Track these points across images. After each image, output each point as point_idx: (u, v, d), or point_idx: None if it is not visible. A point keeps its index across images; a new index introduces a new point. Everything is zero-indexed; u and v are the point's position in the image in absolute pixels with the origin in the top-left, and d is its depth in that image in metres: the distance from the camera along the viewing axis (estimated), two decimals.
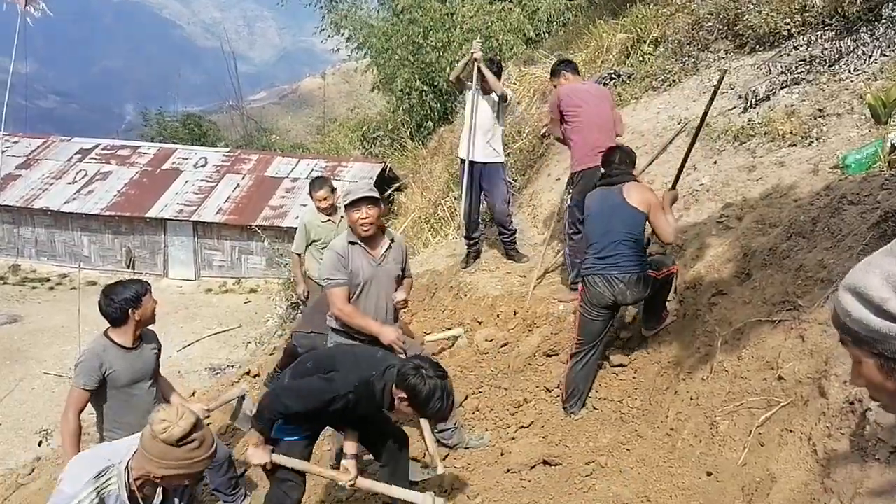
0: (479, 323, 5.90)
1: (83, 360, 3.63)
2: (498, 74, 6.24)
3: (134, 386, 3.73)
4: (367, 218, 3.74)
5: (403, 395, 3.09)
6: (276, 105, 56.86)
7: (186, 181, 18.38)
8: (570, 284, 5.64)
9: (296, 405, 3.17)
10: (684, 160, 4.56)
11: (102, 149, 20.00)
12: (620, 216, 4.14)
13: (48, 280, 17.67)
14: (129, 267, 17.88)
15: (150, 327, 3.86)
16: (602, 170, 4.49)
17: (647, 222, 4.23)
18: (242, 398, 4.02)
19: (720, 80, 4.31)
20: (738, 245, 4.44)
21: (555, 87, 5.66)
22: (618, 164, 4.34)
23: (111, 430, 3.70)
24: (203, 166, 18.94)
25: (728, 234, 4.68)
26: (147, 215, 17.49)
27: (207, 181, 18.35)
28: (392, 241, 3.94)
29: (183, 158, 19.36)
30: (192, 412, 2.22)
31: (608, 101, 5.41)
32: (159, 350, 3.95)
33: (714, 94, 4.27)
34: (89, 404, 3.69)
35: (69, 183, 18.50)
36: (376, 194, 3.78)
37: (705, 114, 4.33)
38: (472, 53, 6.07)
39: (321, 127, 26.85)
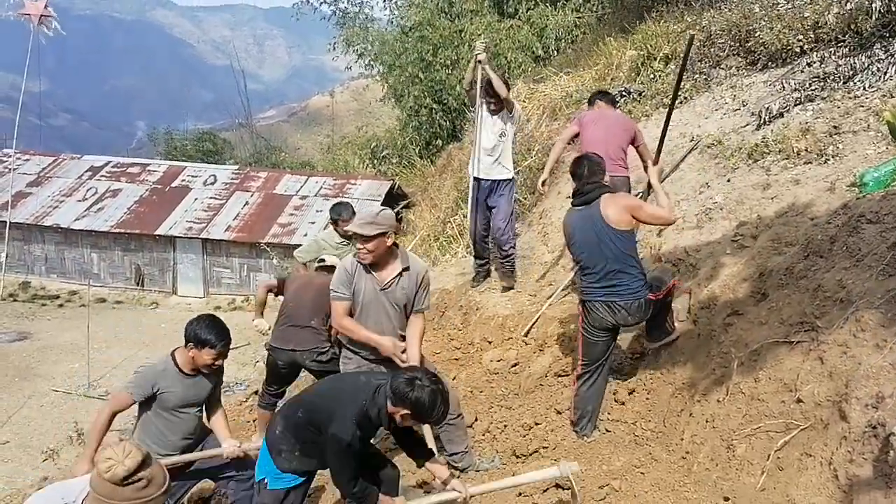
0: (490, 342, 5.83)
1: (141, 373, 3.76)
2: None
3: (181, 410, 3.80)
4: (362, 249, 3.75)
5: (406, 410, 3.10)
6: (286, 123, 57.21)
7: (196, 199, 18.44)
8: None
9: (350, 481, 3.23)
10: (664, 130, 4.73)
11: (113, 167, 20.11)
12: (609, 243, 3.98)
13: (57, 297, 17.70)
14: (138, 284, 17.92)
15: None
16: (573, 182, 4.30)
17: (637, 226, 4.18)
18: None
19: (689, 44, 4.45)
20: (754, 264, 4.37)
21: None
22: (587, 176, 4.14)
23: (146, 441, 3.76)
24: (212, 184, 19.01)
25: (743, 254, 4.60)
26: (156, 233, 17.53)
27: (216, 199, 18.41)
28: (406, 269, 3.86)
29: (192, 176, 19.44)
30: (140, 450, 2.13)
31: (624, 130, 5.52)
32: (218, 383, 3.98)
33: (685, 57, 4.49)
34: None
35: (79, 200, 18.59)
36: (372, 231, 3.68)
37: (679, 77, 4.60)
38: (476, 55, 6.04)
39: (330, 145, 26.95)
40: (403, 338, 3.95)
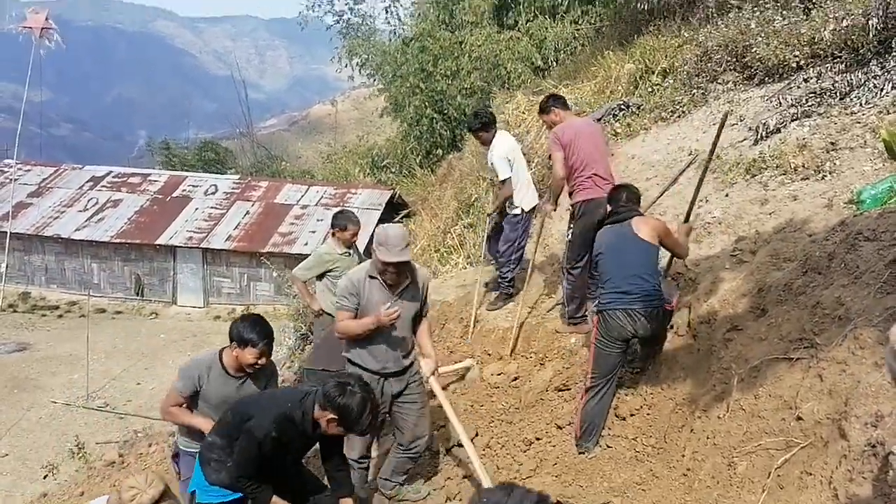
0: (489, 355, 5.84)
1: (187, 367, 3.77)
2: (486, 127, 6.09)
3: (221, 408, 3.74)
4: (394, 273, 3.78)
5: (332, 415, 3.13)
6: (286, 132, 57.35)
7: (196, 208, 18.49)
8: (567, 319, 5.58)
9: (240, 472, 3.21)
10: (696, 193, 4.65)
11: (114, 177, 20.17)
12: (634, 251, 4.17)
13: (57, 308, 17.72)
14: (138, 294, 17.93)
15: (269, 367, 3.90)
16: (609, 207, 4.56)
17: (661, 248, 4.31)
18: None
19: (724, 120, 4.37)
20: (753, 280, 4.39)
21: (545, 123, 5.68)
22: (625, 202, 4.42)
23: (189, 438, 3.83)
24: (213, 193, 19.06)
25: (742, 269, 4.63)
26: (157, 242, 17.57)
27: (217, 208, 18.45)
28: (411, 279, 3.94)
29: (193, 186, 19.50)
30: (162, 480, 2.19)
31: (601, 135, 5.54)
32: (268, 387, 3.93)
33: (720, 130, 4.35)
34: None
35: (80, 211, 18.63)
36: (407, 257, 3.77)
37: (713, 149, 4.44)
38: None
39: (331, 154, 27.01)
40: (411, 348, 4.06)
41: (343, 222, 5.69)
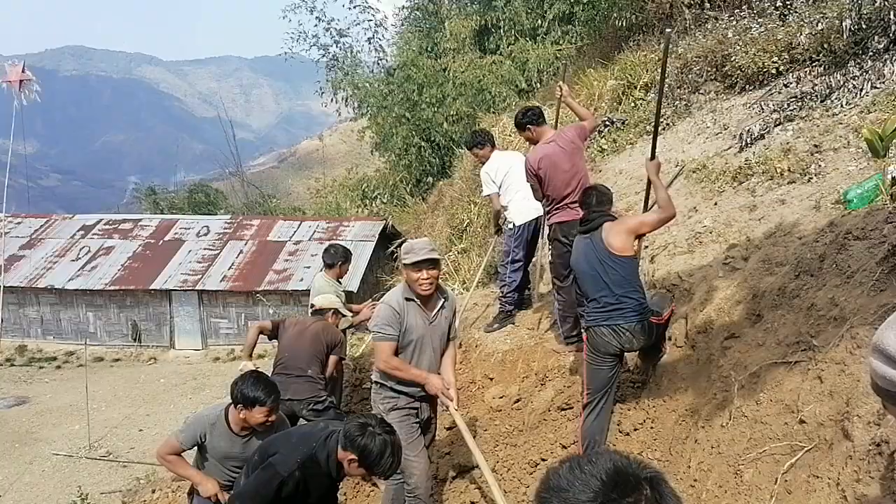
0: (491, 379, 5.81)
1: (191, 422, 3.78)
2: (480, 145, 6.45)
3: (226, 461, 3.76)
4: (427, 279, 3.74)
5: (353, 456, 3.05)
6: (276, 169, 57.61)
7: (189, 251, 18.46)
8: (563, 338, 5.57)
9: (241, 497, 3.16)
10: (656, 125, 4.59)
11: (105, 224, 20.16)
12: (612, 269, 4.08)
13: (55, 359, 17.57)
14: (135, 340, 17.83)
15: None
16: (581, 212, 4.43)
17: (639, 239, 4.27)
18: None
19: (667, 44, 4.51)
20: (747, 286, 4.39)
21: (525, 138, 5.61)
22: (595, 205, 4.28)
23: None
24: (205, 235, 19.05)
25: (735, 276, 4.63)
26: (151, 287, 17.50)
27: (210, 249, 18.44)
28: (445, 298, 3.94)
29: (185, 228, 19.49)
30: None
31: (578, 152, 5.31)
32: None
33: (664, 56, 4.45)
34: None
35: (73, 260, 18.58)
36: (437, 255, 3.78)
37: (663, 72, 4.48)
38: None
39: (321, 188, 27.09)
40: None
41: (339, 260, 6.09)
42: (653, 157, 4.56)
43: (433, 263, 3.74)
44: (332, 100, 20.09)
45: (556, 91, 5.73)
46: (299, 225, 19.39)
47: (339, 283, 6.21)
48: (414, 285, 3.77)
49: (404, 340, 3.83)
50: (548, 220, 5.43)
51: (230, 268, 17.70)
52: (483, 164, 6.48)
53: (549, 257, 5.45)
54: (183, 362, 17.05)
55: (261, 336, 5.54)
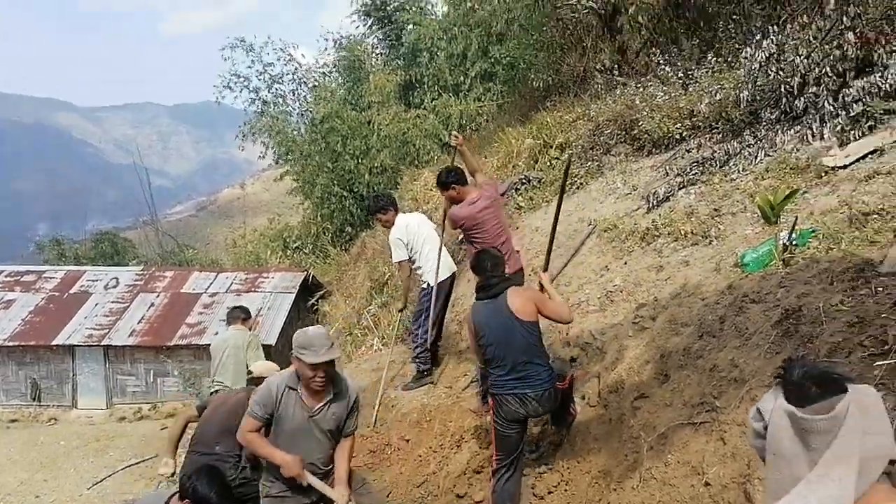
0: (407, 441, 5.70)
1: None
2: (383, 210, 6.35)
3: None
4: (322, 378, 3.58)
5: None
6: (195, 217, 56.15)
7: (97, 304, 17.56)
8: (481, 398, 5.55)
9: None
10: (550, 242, 4.70)
11: (6, 276, 19.00)
12: (518, 335, 4.05)
13: None
14: (34, 400, 16.69)
15: None
16: (477, 276, 4.36)
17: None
18: None
19: (567, 167, 4.86)
20: (655, 346, 4.50)
21: (446, 198, 5.64)
22: (491, 269, 4.21)
23: None
24: (114, 287, 18.20)
25: (644, 335, 4.74)
26: (54, 343, 16.50)
27: (119, 302, 17.60)
28: (337, 393, 3.72)
29: (93, 280, 18.57)
30: None
31: (500, 208, 5.46)
32: None
33: (563, 184, 4.72)
34: None
35: None
36: (337, 354, 3.62)
37: (560, 200, 4.69)
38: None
39: (241, 238, 26.51)
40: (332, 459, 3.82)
41: (239, 319, 6.53)
42: (545, 269, 4.64)
43: (331, 364, 3.60)
44: (255, 145, 19.96)
45: (451, 139, 5.73)
46: (216, 276, 18.80)
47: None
48: (305, 381, 3.60)
49: (277, 427, 3.67)
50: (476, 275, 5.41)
51: (140, 321, 16.91)
52: (388, 228, 6.35)
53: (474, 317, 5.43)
54: (86, 423, 16.06)
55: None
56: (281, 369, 5.88)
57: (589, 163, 8.15)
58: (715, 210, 5.45)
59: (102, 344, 16.42)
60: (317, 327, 3.79)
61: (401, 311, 6.83)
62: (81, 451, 13.97)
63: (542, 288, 4.50)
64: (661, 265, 5.34)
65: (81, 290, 18.14)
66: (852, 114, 5.25)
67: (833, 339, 3.09)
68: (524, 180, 9.13)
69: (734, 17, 8.12)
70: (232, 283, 18.26)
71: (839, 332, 3.10)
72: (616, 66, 10.13)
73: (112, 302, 17.60)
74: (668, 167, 6.72)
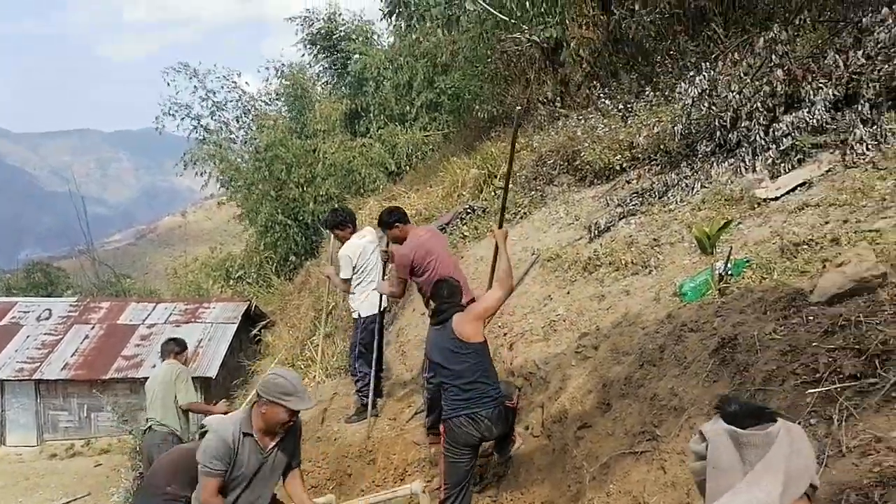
0: (349, 476, 5.57)
1: None
2: (340, 225, 6.31)
3: None
4: (289, 423, 3.60)
5: None
6: (133, 246, 54.63)
7: (28, 336, 16.80)
8: (427, 430, 5.49)
9: None
10: (505, 193, 5.25)
11: None
12: (466, 356, 4.19)
13: None
14: None
15: None
16: (433, 303, 4.58)
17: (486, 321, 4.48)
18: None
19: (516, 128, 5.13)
20: (597, 375, 4.53)
21: (388, 237, 5.65)
22: (447, 297, 4.44)
23: None
24: (47, 319, 17.46)
25: (587, 364, 4.77)
26: None
27: (52, 334, 16.88)
28: (286, 431, 3.71)
29: (24, 312, 17.78)
30: None
31: (446, 244, 5.77)
32: None
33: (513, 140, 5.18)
34: None
35: None
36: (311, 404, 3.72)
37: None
38: None
39: (182, 267, 25.81)
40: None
41: (178, 352, 6.62)
42: (500, 225, 4.95)
43: (295, 413, 3.62)
44: (196, 175, 19.56)
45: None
46: (154, 307, 18.22)
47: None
48: (270, 425, 3.59)
49: (232, 475, 3.58)
50: (428, 306, 5.38)
51: (73, 354, 16.23)
52: (342, 242, 6.31)
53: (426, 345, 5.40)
54: (14, 460, 15.28)
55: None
56: (218, 402, 5.74)
57: (532, 192, 8.25)
58: (654, 240, 5.56)
59: (34, 378, 15.70)
60: (291, 372, 3.87)
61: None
62: (10, 491, 13.29)
63: (496, 250, 4.73)
64: (603, 294, 5.40)
65: (12, 321, 17.34)
66: (782, 147, 5.45)
67: (767, 367, 3.16)
68: (469, 210, 9.18)
69: (670, 52, 8.38)
70: (171, 313, 17.72)
71: (773, 360, 3.17)
72: (559, 98, 10.34)
73: (44, 334, 16.88)
74: (609, 198, 6.85)
